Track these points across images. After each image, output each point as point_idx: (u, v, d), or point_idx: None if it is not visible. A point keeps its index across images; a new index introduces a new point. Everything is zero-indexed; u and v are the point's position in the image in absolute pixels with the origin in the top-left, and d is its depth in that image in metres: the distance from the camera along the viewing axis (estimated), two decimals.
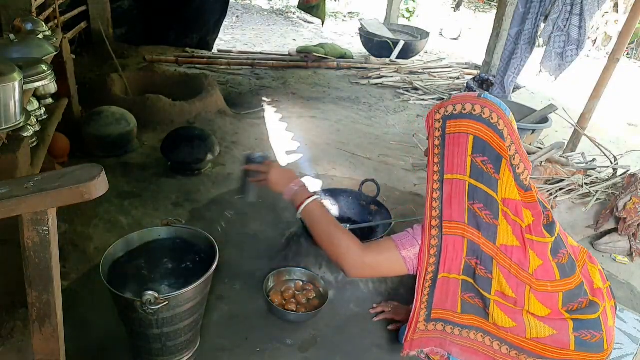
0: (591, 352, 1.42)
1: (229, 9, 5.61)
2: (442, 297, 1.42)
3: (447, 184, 1.37)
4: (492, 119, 1.31)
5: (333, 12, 9.09)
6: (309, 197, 1.52)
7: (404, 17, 8.77)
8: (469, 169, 1.34)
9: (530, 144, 3.24)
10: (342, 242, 1.46)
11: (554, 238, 1.40)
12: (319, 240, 1.51)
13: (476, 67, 5.59)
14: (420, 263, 1.42)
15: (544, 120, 3.47)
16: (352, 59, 5.62)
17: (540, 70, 3.85)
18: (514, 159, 1.32)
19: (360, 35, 6.27)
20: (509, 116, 1.34)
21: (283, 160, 3.20)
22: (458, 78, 5.25)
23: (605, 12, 7.46)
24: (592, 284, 1.48)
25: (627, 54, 7.60)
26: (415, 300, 1.44)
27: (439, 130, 1.38)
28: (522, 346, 1.42)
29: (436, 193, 1.39)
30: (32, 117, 1.87)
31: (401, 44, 5.86)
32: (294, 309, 1.86)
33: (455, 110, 1.35)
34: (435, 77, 5.26)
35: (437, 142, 1.38)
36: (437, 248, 1.39)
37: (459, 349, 1.47)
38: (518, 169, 1.34)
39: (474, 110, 1.32)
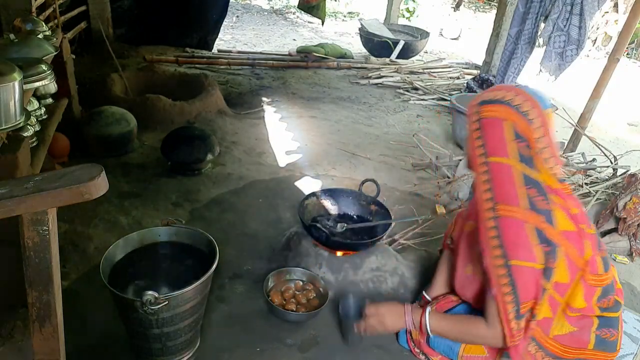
0: (607, 351, 1.44)
1: (229, 9, 5.60)
2: (526, 287, 1.34)
3: (494, 166, 1.38)
4: (522, 107, 1.34)
5: (333, 12, 9.08)
6: (422, 316, 1.57)
7: (404, 17, 8.76)
8: (516, 154, 1.35)
9: None
10: (477, 338, 1.49)
11: (594, 226, 1.43)
12: (459, 341, 1.57)
13: (476, 67, 5.58)
14: (485, 251, 1.38)
15: None
16: (352, 59, 5.62)
17: (540, 70, 3.85)
18: (542, 152, 1.34)
19: (360, 35, 6.27)
20: (545, 109, 1.35)
21: (283, 160, 3.20)
22: (458, 78, 5.25)
23: (605, 12, 7.45)
24: (615, 283, 1.50)
25: (627, 54, 7.59)
26: (495, 296, 1.37)
27: (475, 115, 1.42)
28: (542, 343, 1.44)
29: (484, 176, 1.39)
30: (32, 117, 1.86)
31: (401, 43, 5.86)
32: (294, 309, 1.86)
33: (490, 97, 1.40)
34: (435, 77, 5.25)
35: (474, 127, 1.41)
36: (497, 230, 1.35)
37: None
38: (547, 163, 1.35)
39: (505, 97, 1.37)
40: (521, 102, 1.35)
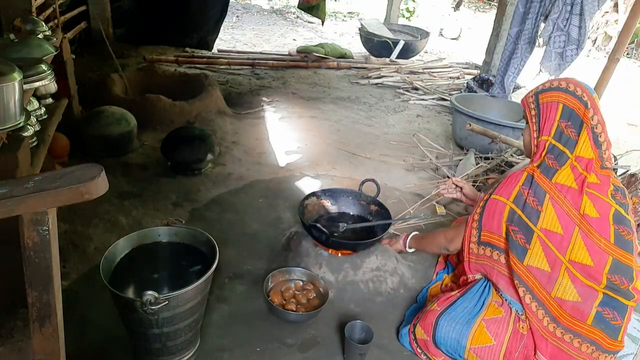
0: (606, 332, 1.47)
1: (229, 9, 5.61)
2: (489, 217, 1.62)
3: (540, 144, 1.61)
4: (576, 91, 1.55)
5: (333, 12, 9.09)
6: (406, 238, 2.15)
7: (404, 17, 8.77)
8: (554, 131, 1.58)
9: None
10: (440, 247, 1.94)
11: (621, 208, 1.51)
12: (432, 253, 2.18)
13: (476, 67, 5.59)
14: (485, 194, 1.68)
15: None
16: (352, 58, 5.62)
17: (540, 70, 3.85)
18: (596, 127, 1.53)
19: (360, 35, 6.27)
20: (592, 94, 1.56)
21: (283, 160, 3.20)
22: (458, 78, 5.26)
23: (605, 12, 7.46)
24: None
25: (627, 54, 7.60)
26: (469, 219, 1.70)
27: (533, 104, 1.63)
28: (543, 302, 1.52)
29: (535, 155, 1.63)
30: (32, 117, 1.86)
31: (401, 43, 5.86)
32: (294, 309, 1.86)
33: (545, 86, 1.62)
34: (435, 77, 5.26)
35: (533, 113, 1.63)
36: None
37: (504, 282, 1.63)
38: (600, 137, 1.53)
39: (561, 85, 1.58)
40: (574, 88, 1.55)
